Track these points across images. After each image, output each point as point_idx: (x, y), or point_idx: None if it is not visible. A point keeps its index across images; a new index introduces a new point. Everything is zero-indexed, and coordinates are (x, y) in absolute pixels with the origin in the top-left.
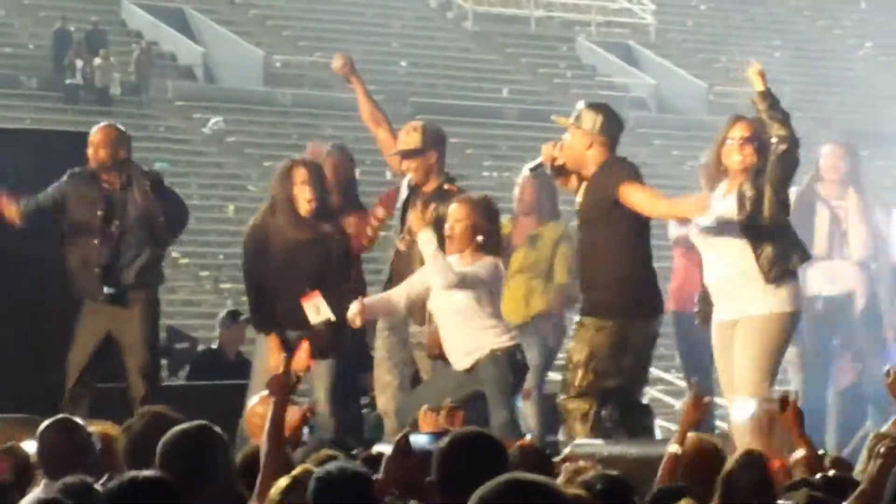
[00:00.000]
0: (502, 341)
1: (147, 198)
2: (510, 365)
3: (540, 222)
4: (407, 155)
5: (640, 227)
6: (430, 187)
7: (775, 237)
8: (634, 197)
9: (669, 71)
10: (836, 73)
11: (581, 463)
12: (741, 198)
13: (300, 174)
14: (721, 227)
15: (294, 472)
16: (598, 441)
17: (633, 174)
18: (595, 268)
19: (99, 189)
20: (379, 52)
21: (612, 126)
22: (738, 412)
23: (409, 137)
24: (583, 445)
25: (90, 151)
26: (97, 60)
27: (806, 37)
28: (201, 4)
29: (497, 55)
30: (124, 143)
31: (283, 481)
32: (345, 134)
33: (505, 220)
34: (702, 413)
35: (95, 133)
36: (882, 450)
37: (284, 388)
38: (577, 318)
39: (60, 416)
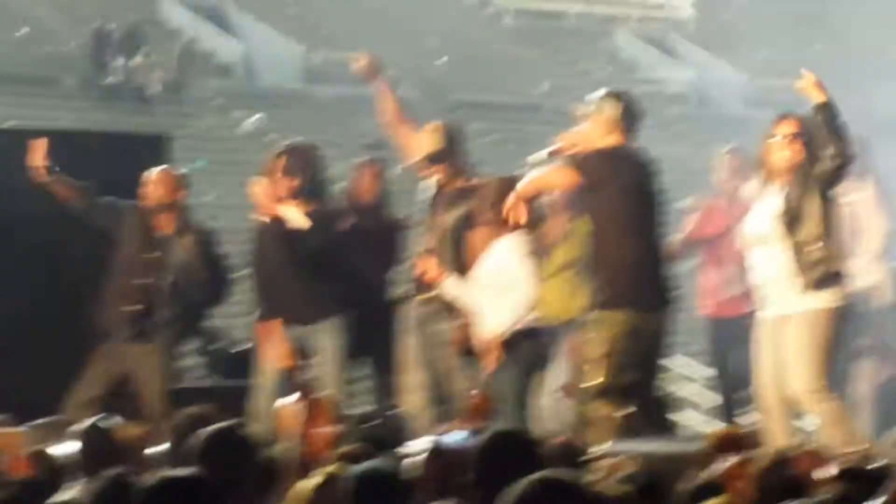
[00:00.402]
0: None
1: (193, 251)
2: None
3: (574, 216)
4: (434, 159)
5: (631, 214)
6: (454, 185)
7: (817, 241)
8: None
9: (709, 63)
10: (875, 64)
11: (617, 459)
12: (788, 198)
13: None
14: (769, 227)
15: (327, 471)
16: (629, 441)
17: (598, 165)
18: (599, 259)
19: (152, 229)
20: (418, 49)
21: (629, 114)
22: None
23: (432, 139)
24: (616, 445)
25: (149, 189)
26: (137, 59)
27: (847, 28)
28: (241, 1)
29: (535, 50)
30: (182, 186)
31: (315, 478)
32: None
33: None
34: None
35: (155, 173)
36: None
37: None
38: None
39: (100, 416)
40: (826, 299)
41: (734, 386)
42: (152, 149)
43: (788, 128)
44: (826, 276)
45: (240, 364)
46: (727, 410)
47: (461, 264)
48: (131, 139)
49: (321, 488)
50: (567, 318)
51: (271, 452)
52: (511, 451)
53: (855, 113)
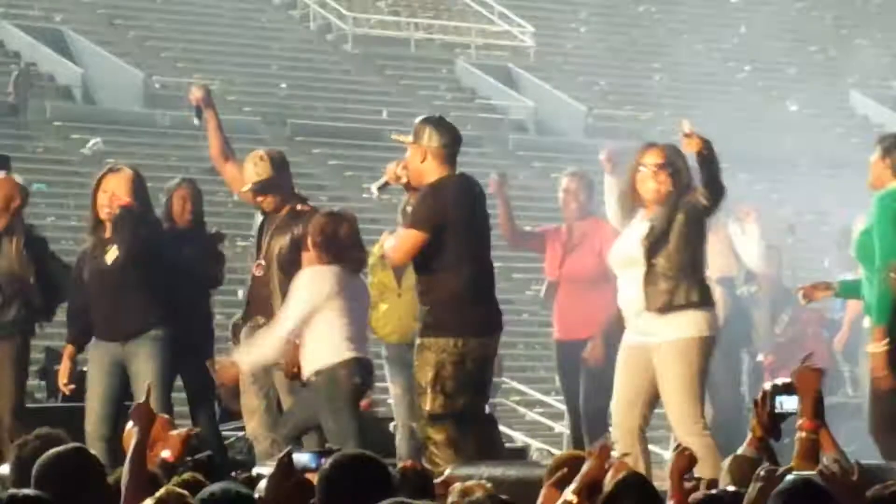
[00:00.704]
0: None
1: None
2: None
3: None
4: (262, 189)
5: (469, 246)
6: (284, 211)
7: (673, 272)
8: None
9: (549, 93)
10: (715, 95)
11: (469, 483)
12: (653, 222)
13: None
14: (634, 251)
15: (158, 494)
16: (477, 464)
17: (431, 214)
18: (430, 286)
19: None
20: (259, 74)
21: (443, 138)
22: None
23: (259, 168)
24: (460, 467)
25: None
26: None
27: (685, 60)
28: (80, 25)
29: (377, 77)
30: (19, 193)
31: (148, 502)
32: None
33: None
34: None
35: None
36: (762, 473)
37: (148, 417)
38: (416, 340)
39: None
40: (693, 328)
41: (581, 410)
42: None
43: (654, 158)
44: (670, 304)
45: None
46: (574, 433)
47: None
48: None
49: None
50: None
51: (114, 475)
52: (357, 475)
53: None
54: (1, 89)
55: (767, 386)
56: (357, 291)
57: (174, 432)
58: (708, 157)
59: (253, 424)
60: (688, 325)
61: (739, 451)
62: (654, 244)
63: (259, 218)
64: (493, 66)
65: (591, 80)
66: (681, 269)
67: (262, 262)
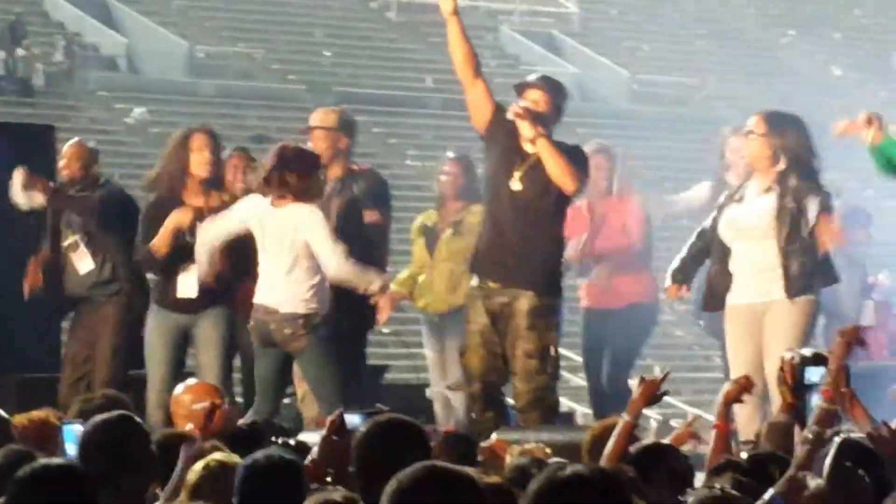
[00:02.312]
0: None
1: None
2: None
3: (464, 207)
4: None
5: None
6: (338, 171)
7: (807, 256)
8: None
9: (592, 59)
10: (759, 60)
11: (528, 446)
12: (781, 208)
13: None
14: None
15: (208, 460)
16: (523, 429)
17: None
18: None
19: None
20: (303, 43)
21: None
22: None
23: (330, 117)
24: (507, 432)
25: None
26: (19, 51)
27: (729, 25)
28: None
29: (421, 44)
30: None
31: (198, 466)
32: (268, 124)
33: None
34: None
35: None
36: (809, 436)
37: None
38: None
39: None
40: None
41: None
42: (38, 140)
43: (760, 127)
44: (800, 293)
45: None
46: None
47: None
48: (18, 129)
49: (203, 477)
50: (445, 310)
51: (157, 440)
52: (393, 439)
53: (742, 109)
54: (46, 59)
55: (788, 356)
56: None
57: (197, 406)
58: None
59: (303, 390)
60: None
61: (772, 417)
62: (786, 218)
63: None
64: (537, 33)
65: (634, 45)
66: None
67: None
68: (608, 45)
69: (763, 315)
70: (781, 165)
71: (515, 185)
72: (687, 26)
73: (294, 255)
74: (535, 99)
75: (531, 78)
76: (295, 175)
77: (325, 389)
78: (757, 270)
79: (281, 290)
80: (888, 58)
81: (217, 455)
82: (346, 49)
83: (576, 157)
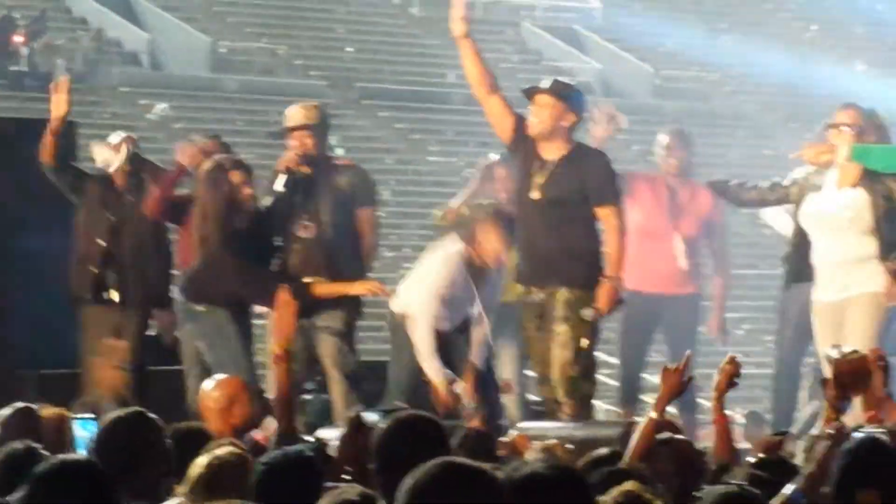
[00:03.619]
0: None
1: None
2: None
3: None
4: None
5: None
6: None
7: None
8: None
9: (615, 55)
10: (781, 55)
11: (549, 442)
12: (875, 199)
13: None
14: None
15: (218, 453)
16: (543, 423)
17: None
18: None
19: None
20: (325, 38)
21: None
22: None
23: (311, 112)
24: (527, 427)
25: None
26: (40, 46)
27: (751, 19)
28: None
29: (443, 40)
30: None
31: (202, 460)
32: None
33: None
34: (683, 382)
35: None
36: (830, 431)
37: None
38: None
39: None
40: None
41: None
42: (60, 135)
43: (847, 118)
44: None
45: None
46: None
47: None
48: (41, 125)
49: (210, 470)
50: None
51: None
52: (413, 435)
53: (760, 103)
54: (68, 55)
55: (833, 353)
56: None
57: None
58: None
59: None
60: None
61: (815, 431)
62: (882, 211)
63: (282, 177)
64: (560, 28)
65: (657, 41)
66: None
67: (310, 223)
68: (631, 40)
69: (843, 311)
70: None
71: (535, 193)
72: (709, 21)
73: None
74: (543, 103)
75: (542, 83)
76: None
77: None
78: (839, 264)
79: None
80: None
81: (221, 450)
82: (369, 44)
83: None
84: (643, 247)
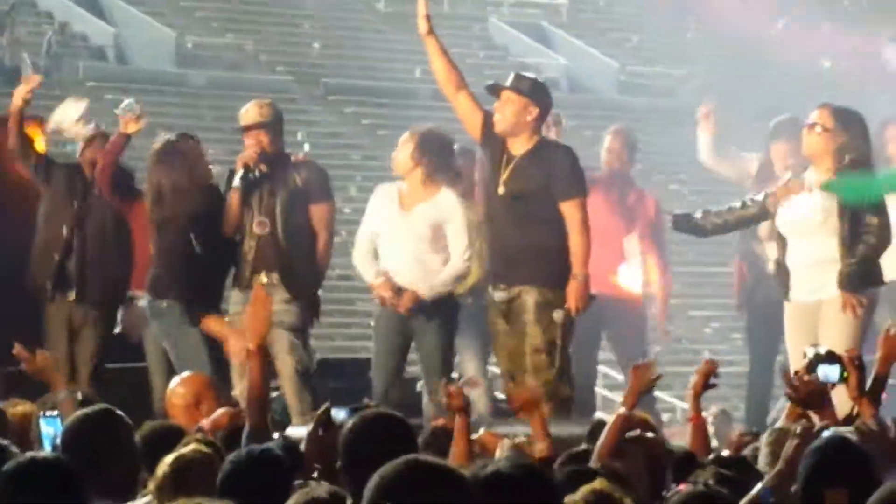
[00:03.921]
0: None
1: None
2: None
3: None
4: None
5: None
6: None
7: (865, 255)
8: None
9: (581, 51)
10: (747, 52)
11: (519, 439)
12: (842, 211)
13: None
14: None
15: (183, 451)
16: (512, 422)
17: None
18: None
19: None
20: (292, 34)
21: None
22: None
23: (265, 110)
24: (496, 426)
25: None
26: (5, 40)
27: (718, 16)
28: None
29: (410, 35)
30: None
31: (168, 458)
32: None
33: None
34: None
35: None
36: (798, 430)
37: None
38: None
39: None
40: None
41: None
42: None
43: (822, 118)
44: (858, 288)
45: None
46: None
47: None
48: (4, 120)
49: (176, 468)
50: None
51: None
52: (380, 433)
53: (728, 100)
54: (35, 50)
55: (810, 353)
56: None
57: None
58: None
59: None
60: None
61: (778, 424)
62: (845, 212)
63: (238, 174)
64: (526, 24)
65: (623, 36)
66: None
67: (265, 219)
68: (596, 36)
69: (817, 312)
70: (845, 162)
71: (500, 188)
72: (675, 18)
73: None
74: (506, 98)
75: (507, 80)
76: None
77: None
78: (811, 265)
79: None
80: (877, 51)
81: (187, 448)
82: (335, 40)
83: (575, 177)
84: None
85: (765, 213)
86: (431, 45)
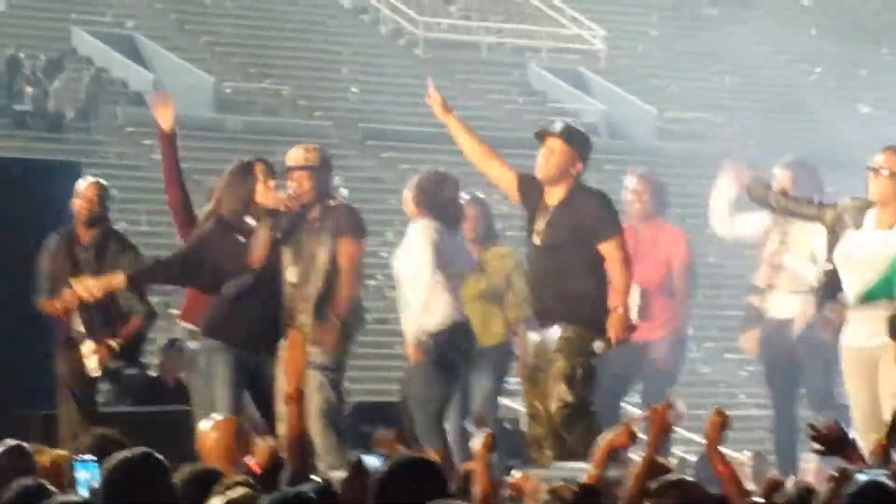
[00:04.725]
0: None
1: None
2: None
3: (484, 247)
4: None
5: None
6: (314, 209)
7: None
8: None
9: (620, 97)
10: (784, 98)
11: (557, 485)
12: None
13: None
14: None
15: (232, 494)
16: (549, 466)
17: None
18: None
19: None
20: (329, 79)
21: None
22: None
23: (311, 154)
24: (533, 469)
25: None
26: (55, 86)
27: (755, 63)
28: (151, 31)
29: (447, 81)
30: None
31: (216, 501)
32: None
33: None
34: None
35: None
36: (835, 473)
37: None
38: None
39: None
40: None
41: None
42: (65, 175)
43: (889, 162)
44: None
45: (145, 392)
46: None
47: None
48: (45, 165)
49: None
50: (481, 348)
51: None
52: (414, 479)
53: (764, 145)
54: (73, 95)
55: None
56: (456, 248)
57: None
58: None
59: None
60: None
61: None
62: None
63: (273, 217)
64: (565, 70)
65: (661, 83)
66: None
67: (295, 267)
68: (635, 82)
69: (878, 356)
70: None
71: (536, 239)
72: (712, 64)
73: None
74: (554, 147)
75: (555, 127)
76: None
77: None
78: (871, 307)
79: None
80: None
81: (234, 492)
82: (373, 85)
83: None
84: None
85: (823, 222)
86: (452, 125)
